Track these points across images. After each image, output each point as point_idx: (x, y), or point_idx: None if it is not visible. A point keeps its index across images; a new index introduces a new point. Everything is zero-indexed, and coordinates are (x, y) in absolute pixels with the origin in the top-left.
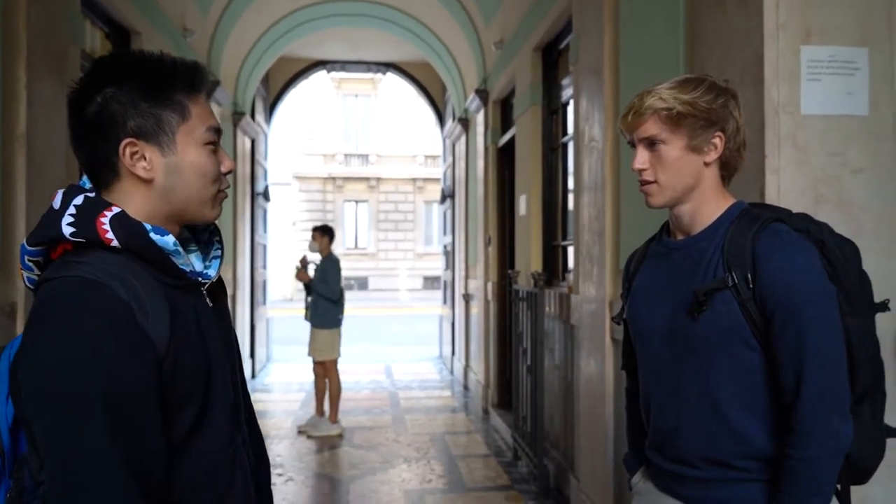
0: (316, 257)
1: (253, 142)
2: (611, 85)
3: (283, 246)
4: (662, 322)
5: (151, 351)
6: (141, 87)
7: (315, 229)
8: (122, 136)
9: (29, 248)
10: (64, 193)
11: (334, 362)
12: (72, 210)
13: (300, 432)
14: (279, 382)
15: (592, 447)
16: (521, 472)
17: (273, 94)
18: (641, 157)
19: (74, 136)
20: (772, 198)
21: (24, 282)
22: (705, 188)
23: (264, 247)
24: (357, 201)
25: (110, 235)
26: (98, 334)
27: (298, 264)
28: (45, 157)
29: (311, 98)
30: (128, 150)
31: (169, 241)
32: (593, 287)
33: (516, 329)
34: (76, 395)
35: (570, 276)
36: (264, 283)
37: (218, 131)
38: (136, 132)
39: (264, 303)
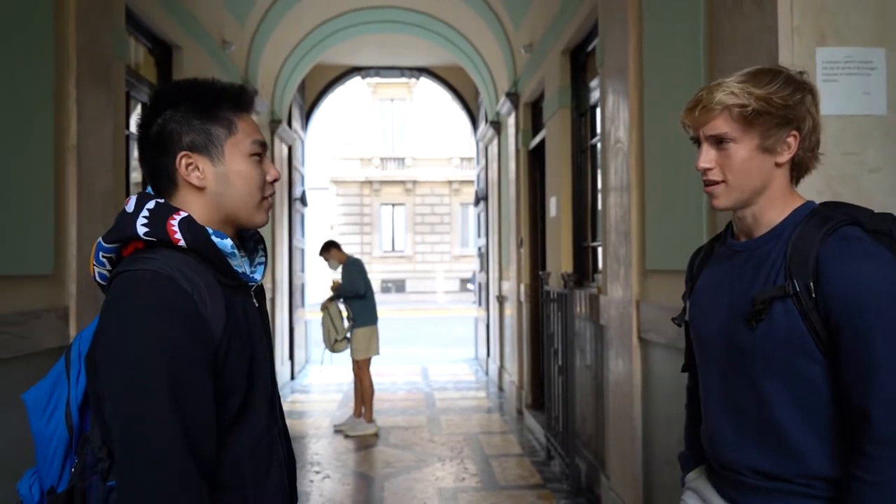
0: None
1: (290, 148)
2: (635, 87)
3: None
4: (719, 329)
5: (210, 338)
6: (194, 107)
7: (320, 253)
8: (178, 149)
9: (105, 244)
10: (136, 199)
11: (367, 361)
12: (145, 213)
13: (337, 431)
14: (317, 383)
15: (622, 446)
16: (554, 471)
17: (309, 101)
18: (707, 156)
19: (141, 154)
20: None
21: (95, 277)
22: (774, 190)
23: (302, 251)
24: (394, 204)
25: (178, 236)
26: (166, 320)
27: (331, 288)
28: (93, 167)
29: (347, 103)
30: (183, 162)
31: (227, 243)
32: (621, 288)
33: (548, 330)
34: (146, 373)
35: (600, 277)
36: (302, 286)
37: (263, 144)
38: (190, 146)
39: (303, 305)
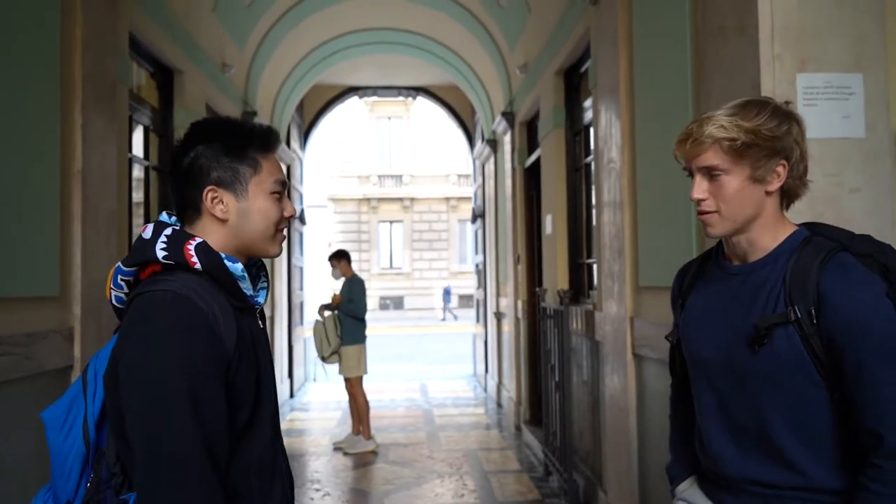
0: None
1: (288, 167)
2: (626, 108)
3: (320, 268)
4: (719, 350)
5: (224, 355)
6: (224, 144)
7: (331, 258)
8: (206, 184)
9: (125, 268)
10: (154, 227)
11: (359, 379)
12: (163, 239)
13: (336, 449)
14: (317, 401)
15: (618, 461)
16: (552, 486)
17: (307, 121)
18: (700, 188)
19: (172, 181)
20: None
21: (112, 300)
22: (766, 217)
23: (301, 269)
24: (391, 221)
25: (195, 259)
26: (186, 340)
27: (332, 300)
28: (98, 190)
29: (345, 121)
30: (209, 196)
31: (238, 267)
32: (615, 304)
33: (545, 346)
34: (168, 391)
35: (595, 294)
36: (301, 304)
37: (283, 183)
38: (216, 181)
39: (301, 323)
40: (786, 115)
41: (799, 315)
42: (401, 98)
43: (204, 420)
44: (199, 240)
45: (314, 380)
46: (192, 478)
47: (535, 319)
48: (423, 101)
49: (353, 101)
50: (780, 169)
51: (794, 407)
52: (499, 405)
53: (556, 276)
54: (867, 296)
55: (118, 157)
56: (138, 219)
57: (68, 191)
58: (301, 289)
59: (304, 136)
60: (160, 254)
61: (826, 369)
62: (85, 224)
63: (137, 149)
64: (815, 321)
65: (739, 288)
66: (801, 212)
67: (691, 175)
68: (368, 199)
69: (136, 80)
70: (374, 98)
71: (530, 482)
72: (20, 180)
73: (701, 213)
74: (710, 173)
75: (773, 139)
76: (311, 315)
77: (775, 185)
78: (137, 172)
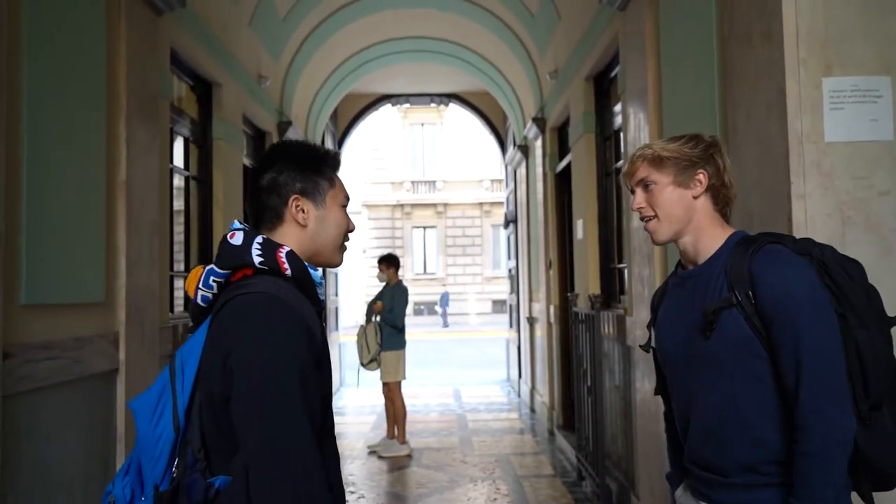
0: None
1: None
2: (654, 114)
3: (354, 273)
4: (681, 345)
5: (316, 346)
6: (304, 161)
7: (380, 261)
8: (291, 192)
9: (219, 271)
10: (243, 235)
11: (398, 384)
12: (257, 246)
13: (371, 452)
14: (352, 406)
15: (650, 466)
16: (585, 491)
17: (341, 129)
18: (639, 198)
19: (250, 195)
20: (799, 222)
21: (198, 299)
22: (700, 219)
23: (336, 275)
24: (425, 227)
25: (286, 266)
26: (291, 332)
27: (373, 307)
28: (141, 200)
29: (378, 128)
30: (294, 203)
31: (317, 274)
32: (645, 309)
33: (577, 351)
34: (282, 369)
35: (626, 298)
36: (336, 309)
37: (349, 199)
38: (301, 191)
39: (336, 328)
40: (702, 139)
41: (739, 298)
42: (433, 105)
43: (310, 407)
44: (286, 248)
45: (358, 384)
46: (305, 457)
47: (568, 324)
48: (455, 108)
49: (386, 109)
50: (700, 177)
51: (747, 381)
52: (532, 410)
53: (588, 280)
54: (789, 273)
55: (160, 167)
56: (178, 226)
57: (113, 201)
58: (336, 294)
59: (339, 143)
60: (256, 259)
61: (768, 343)
62: (129, 232)
63: (178, 159)
64: (752, 301)
65: (693, 288)
66: (829, 214)
67: (633, 193)
68: (402, 205)
69: (176, 92)
70: (407, 105)
71: (563, 487)
72: (69, 192)
73: (644, 220)
74: (645, 185)
75: (689, 154)
76: (345, 321)
77: (699, 189)
78: (178, 182)
